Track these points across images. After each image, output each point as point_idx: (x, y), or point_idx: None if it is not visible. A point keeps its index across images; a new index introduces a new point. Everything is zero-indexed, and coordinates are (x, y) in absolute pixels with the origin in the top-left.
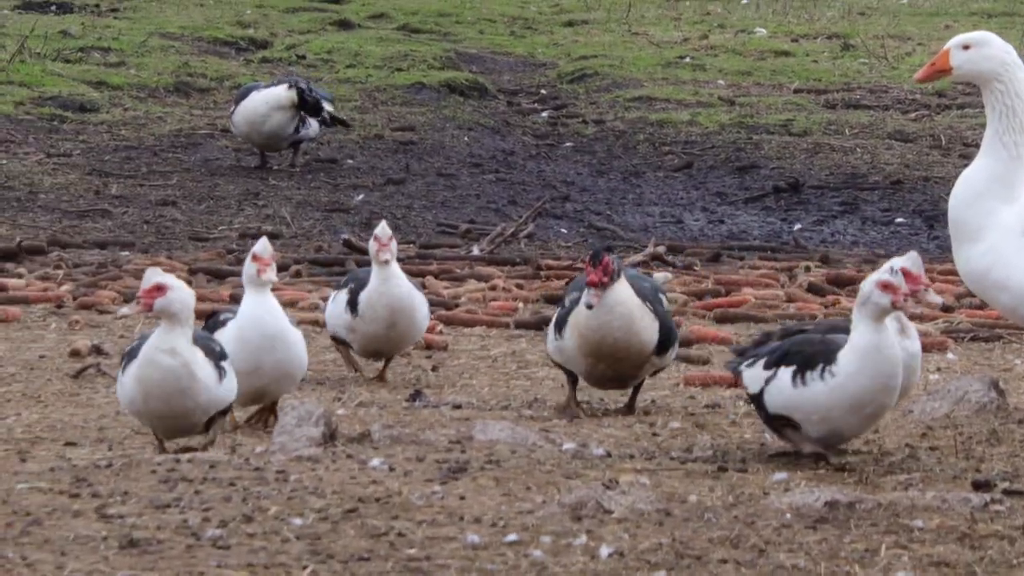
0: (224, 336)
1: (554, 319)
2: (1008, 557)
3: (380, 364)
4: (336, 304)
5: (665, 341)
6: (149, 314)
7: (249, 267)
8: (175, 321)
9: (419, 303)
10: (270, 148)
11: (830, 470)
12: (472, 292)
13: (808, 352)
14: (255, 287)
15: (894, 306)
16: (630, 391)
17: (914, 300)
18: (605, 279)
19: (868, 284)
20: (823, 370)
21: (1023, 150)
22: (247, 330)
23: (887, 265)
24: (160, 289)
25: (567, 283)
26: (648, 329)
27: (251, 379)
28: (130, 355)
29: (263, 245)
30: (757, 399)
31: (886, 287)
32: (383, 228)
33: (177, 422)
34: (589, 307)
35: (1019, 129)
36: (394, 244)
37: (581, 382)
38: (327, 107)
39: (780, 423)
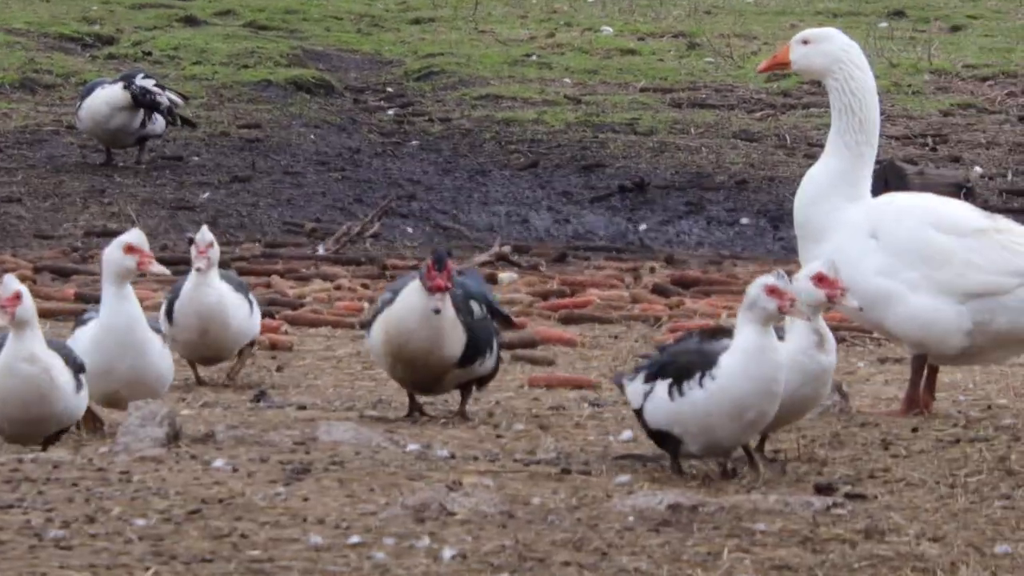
0: (83, 335)
1: (370, 324)
2: (849, 561)
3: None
4: (160, 313)
5: (472, 354)
6: (11, 323)
7: (122, 260)
8: (28, 326)
9: (234, 310)
10: (116, 144)
11: (669, 474)
12: (317, 292)
13: (684, 362)
14: (118, 283)
15: (780, 311)
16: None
17: (831, 304)
18: (450, 284)
19: (755, 288)
20: (701, 376)
21: (864, 148)
22: (105, 335)
23: (778, 270)
24: (19, 297)
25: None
26: (454, 342)
27: (103, 382)
28: None
29: (139, 235)
30: (638, 415)
31: (772, 291)
32: (203, 233)
33: (28, 428)
34: (437, 312)
35: (858, 127)
36: (215, 251)
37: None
38: (170, 99)
39: (661, 439)
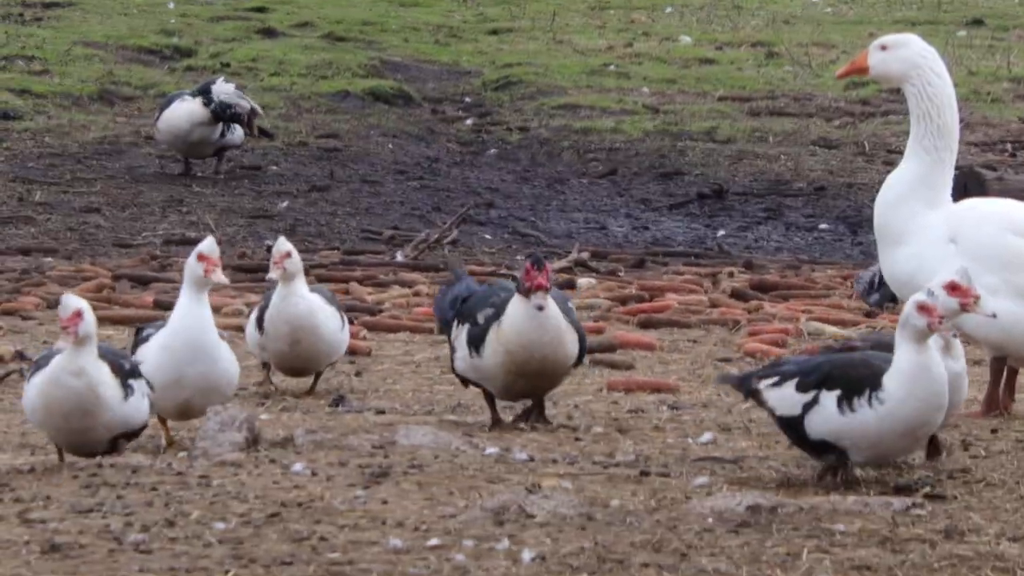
0: (150, 346)
1: (464, 337)
2: (929, 561)
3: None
4: (249, 323)
5: (582, 352)
6: (75, 342)
7: (195, 267)
8: (87, 342)
9: (324, 319)
10: (194, 155)
11: (752, 475)
12: (396, 298)
13: (852, 376)
14: (196, 289)
15: (930, 328)
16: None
17: (965, 312)
18: (549, 283)
19: (908, 306)
20: (870, 396)
21: (944, 154)
22: (173, 338)
23: (928, 286)
24: (79, 315)
25: (462, 301)
26: (571, 342)
27: (174, 391)
28: (37, 366)
29: (210, 244)
30: (791, 423)
31: (922, 309)
32: (280, 243)
33: (78, 438)
34: (540, 309)
35: (936, 132)
36: (293, 261)
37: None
38: (251, 105)
39: (822, 449)
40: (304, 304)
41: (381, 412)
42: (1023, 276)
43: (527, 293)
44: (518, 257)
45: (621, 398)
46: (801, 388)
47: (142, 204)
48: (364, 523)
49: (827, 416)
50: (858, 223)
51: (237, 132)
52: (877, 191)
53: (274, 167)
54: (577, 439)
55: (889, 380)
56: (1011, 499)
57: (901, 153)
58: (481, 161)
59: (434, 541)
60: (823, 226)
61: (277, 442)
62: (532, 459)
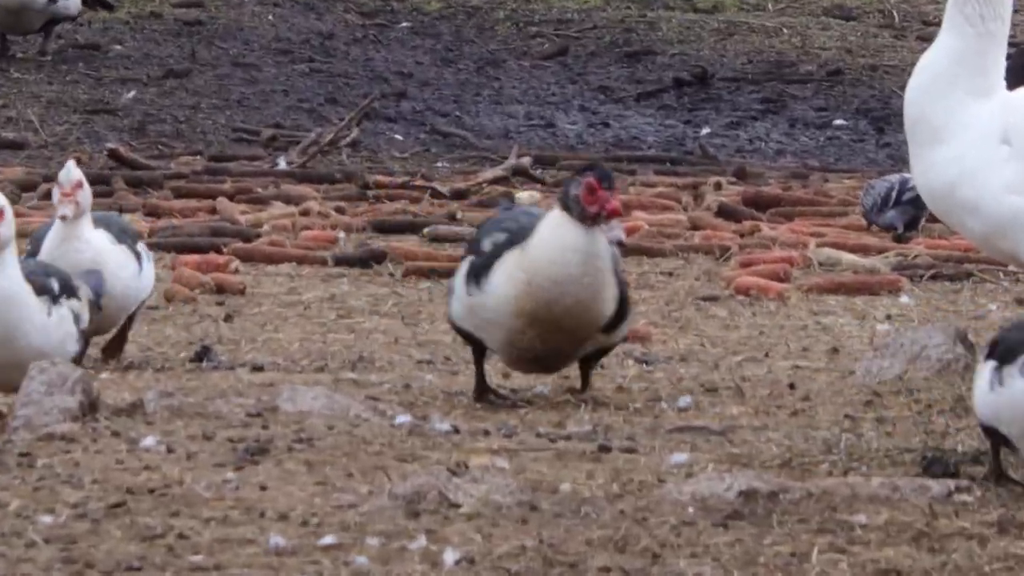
0: None
1: (463, 270)
2: (978, 562)
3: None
4: None
5: (623, 312)
6: None
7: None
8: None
9: (117, 269)
10: (13, 30)
11: (745, 450)
12: (278, 218)
13: (1013, 340)
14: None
15: None
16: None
17: None
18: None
19: None
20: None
21: (993, 24)
22: None
23: None
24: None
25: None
26: (610, 297)
27: None
28: None
29: (66, 170)
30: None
31: None
32: (68, 170)
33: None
34: (621, 244)
35: None
36: (85, 193)
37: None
38: None
39: (998, 438)
40: (90, 251)
41: (258, 369)
42: None
43: (591, 219)
44: (438, 164)
45: None
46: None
47: None
48: (236, 516)
49: (983, 391)
50: (884, 118)
51: (71, 0)
52: (908, 75)
53: (118, 46)
54: (516, 404)
55: None
56: None
57: (939, 25)
58: (389, 37)
59: (328, 539)
60: (838, 122)
61: (122, 409)
62: (456, 430)
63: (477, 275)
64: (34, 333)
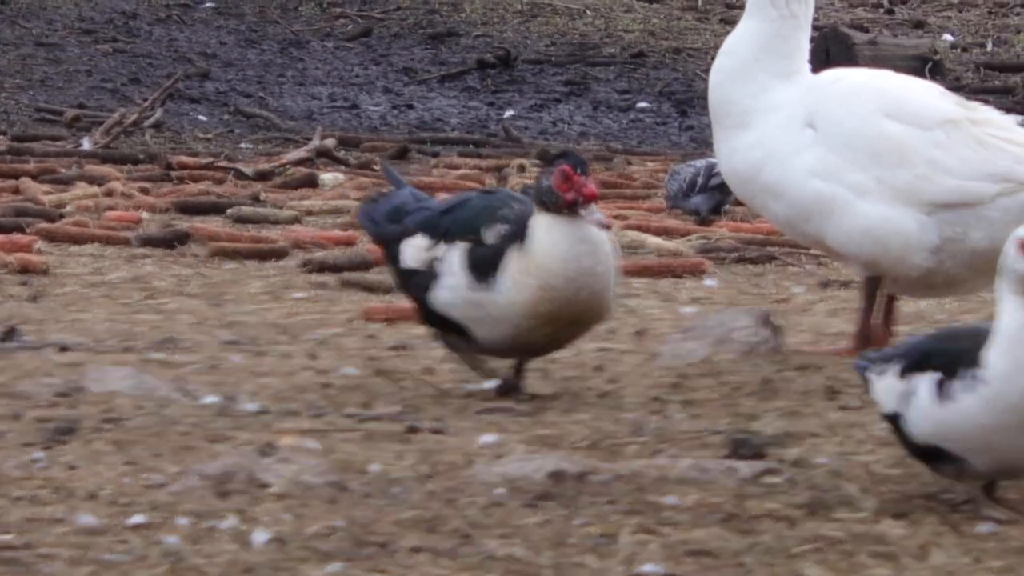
0: None
1: (460, 259)
2: (787, 544)
3: None
4: None
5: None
6: None
7: None
8: None
9: None
10: None
11: (554, 431)
12: (82, 199)
13: (954, 350)
14: None
15: None
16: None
17: None
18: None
19: (1008, 246)
20: (971, 375)
21: (796, 6)
22: None
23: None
24: None
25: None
26: (615, 282)
27: None
28: None
29: None
30: (894, 422)
31: None
32: None
33: None
34: (607, 228)
35: None
36: None
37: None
38: None
39: (932, 456)
40: None
41: (65, 349)
42: (902, 174)
43: (568, 208)
44: (242, 146)
45: (380, 331)
46: (902, 372)
47: None
48: (45, 495)
49: (922, 407)
50: (688, 100)
51: None
52: (712, 58)
53: None
54: (324, 384)
55: (992, 353)
56: (892, 463)
57: (742, 8)
58: (193, 17)
59: (138, 519)
60: (642, 104)
61: None
62: (265, 411)
63: (481, 270)
64: None
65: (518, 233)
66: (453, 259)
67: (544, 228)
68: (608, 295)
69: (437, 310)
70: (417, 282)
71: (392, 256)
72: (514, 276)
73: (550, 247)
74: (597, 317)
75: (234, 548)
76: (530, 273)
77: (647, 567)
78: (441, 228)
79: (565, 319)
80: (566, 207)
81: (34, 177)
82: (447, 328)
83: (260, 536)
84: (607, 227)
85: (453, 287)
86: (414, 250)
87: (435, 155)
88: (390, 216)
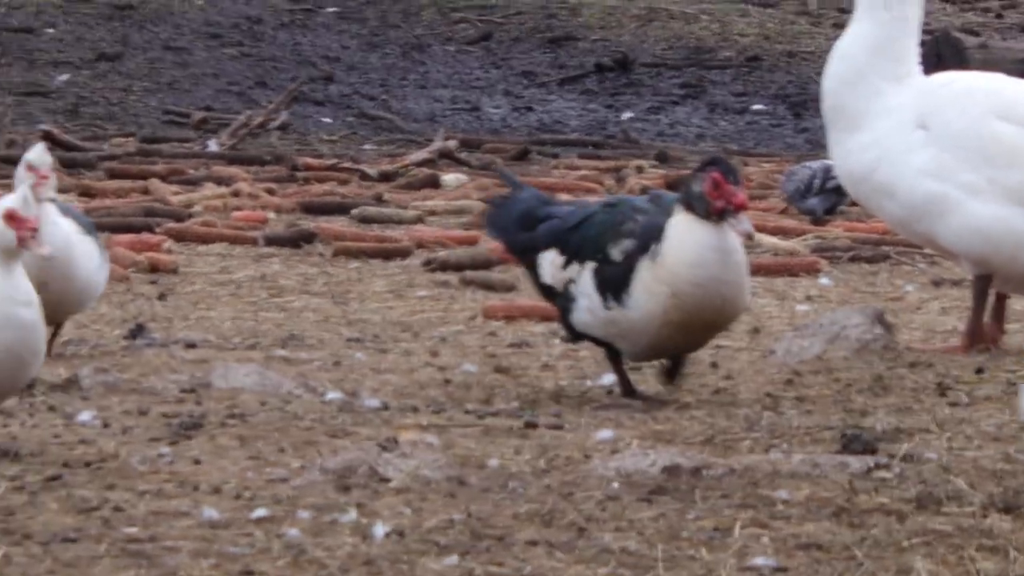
0: None
1: (591, 280)
2: (897, 537)
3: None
4: None
5: None
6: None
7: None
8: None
9: (81, 255)
10: None
11: (669, 427)
12: (210, 199)
13: None
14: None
15: None
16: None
17: None
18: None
19: None
20: None
21: (907, 9)
22: None
23: None
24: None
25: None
26: (748, 286)
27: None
28: None
29: (39, 152)
30: None
31: None
32: (39, 153)
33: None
34: (749, 237)
35: None
36: (53, 176)
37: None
38: None
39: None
40: (60, 235)
41: (192, 346)
42: (1014, 174)
43: (717, 215)
44: (366, 147)
45: (500, 328)
46: None
47: None
48: (170, 489)
49: None
50: (802, 103)
51: None
52: (825, 62)
53: (50, 29)
54: (445, 381)
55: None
56: (1001, 458)
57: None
58: (316, 22)
59: (261, 512)
60: (757, 107)
61: (58, 384)
62: (386, 407)
63: (612, 289)
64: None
65: (645, 246)
66: (585, 281)
67: (680, 231)
68: (739, 300)
69: (579, 330)
70: (557, 301)
71: (529, 265)
72: (646, 288)
73: (681, 253)
74: (730, 319)
75: (354, 541)
76: (662, 280)
77: (759, 560)
78: (572, 246)
79: (699, 324)
80: (715, 214)
81: (163, 178)
82: (596, 343)
83: (380, 529)
84: (751, 237)
85: (589, 309)
86: (550, 267)
87: (555, 156)
88: (520, 222)
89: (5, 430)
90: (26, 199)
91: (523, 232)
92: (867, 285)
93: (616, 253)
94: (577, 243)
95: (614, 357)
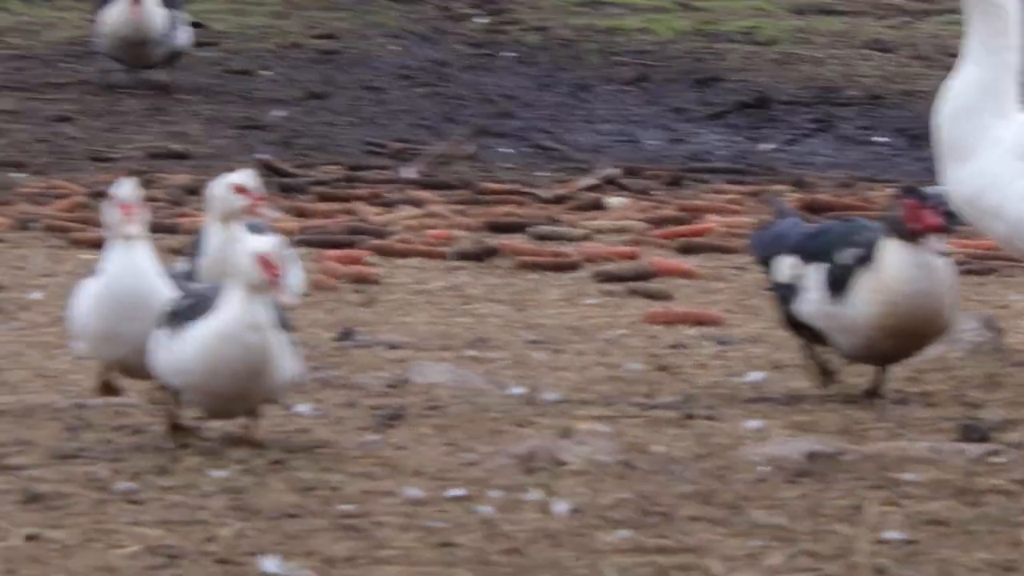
0: (84, 291)
1: (820, 277)
2: (1009, 514)
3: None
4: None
5: None
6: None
7: (110, 214)
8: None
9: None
10: (140, 63)
11: (810, 418)
12: (406, 219)
13: None
14: (119, 238)
15: None
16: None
17: None
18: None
19: None
20: None
21: (1009, 54)
22: (107, 291)
23: None
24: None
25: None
26: (952, 301)
27: (110, 347)
28: (185, 314)
29: (125, 188)
30: None
31: None
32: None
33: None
34: (944, 255)
35: (1003, 29)
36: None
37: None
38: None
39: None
40: (146, 276)
41: (393, 347)
42: None
43: (914, 236)
44: (538, 174)
45: (660, 332)
46: None
47: (119, 112)
48: (378, 471)
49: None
50: (919, 136)
51: (184, 31)
52: (937, 100)
53: (266, 71)
54: (613, 377)
55: None
56: None
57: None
58: (497, 65)
59: (456, 492)
60: (880, 139)
61: None
62: (564, 400)
63: (836, 286)
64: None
65: (868, 256)
66: (814, 277)
67: (890, 252)
68: (945, 313)
69: (801, 319)
70: (785, 294)
71: (769, 271)
72: (864, 293)
73: (894, 270)
74: (938, 331)
75: (538, 517)
76: (878, 291)
77: (890, 534)
78: (809, 249)
79: (907, 332)
80: (914, 235)
81: (365, 200)
82: (810, 335)
83: (560, 507)
84: (944, 255)
85: (813, 301)
86: (786, 267)
87: (704, 182)
88: (773, 241)
89: (234, 421)
90: (274, 247)
91: (773, 247)
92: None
93: (845, 257)
94: (814, 247)
95: (813, 349)
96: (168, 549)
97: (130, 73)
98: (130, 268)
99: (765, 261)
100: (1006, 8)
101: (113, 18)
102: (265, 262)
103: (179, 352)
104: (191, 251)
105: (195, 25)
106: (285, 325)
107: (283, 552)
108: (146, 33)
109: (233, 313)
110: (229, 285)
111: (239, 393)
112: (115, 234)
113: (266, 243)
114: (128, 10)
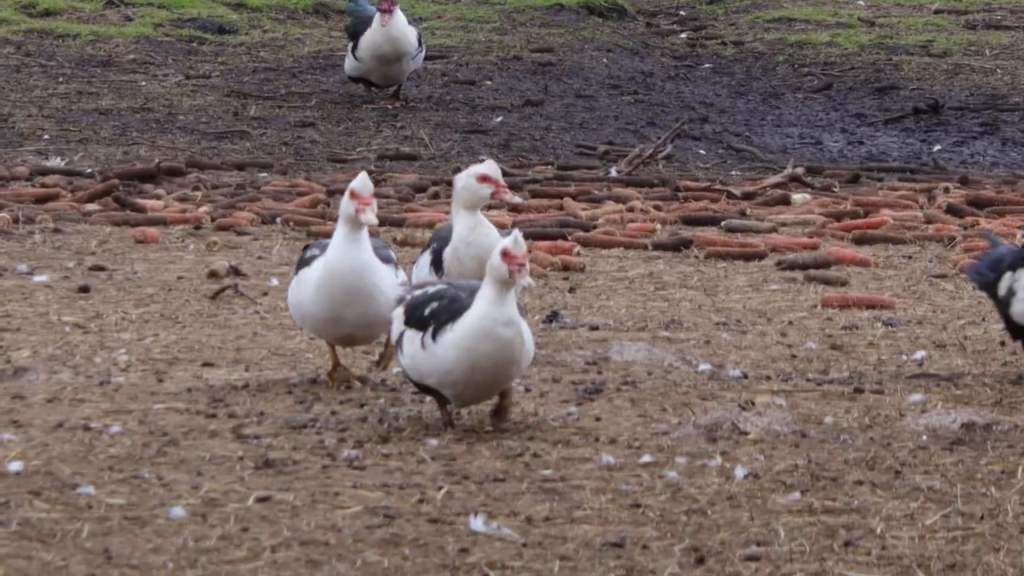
0: (308, 276)
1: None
2: None
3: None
4: (419, 266)
5: None
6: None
7: (347, 205)
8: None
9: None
10: (391, 82)
11: (967, 392)
12: (610, 213)
13: None
14: (350, 228)
15: None
16: None
17: None
18: None
19: None
20: None
21: None
22: (329, 279)
23: None
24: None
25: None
26: None
27: (334, 327)
28: (440, 317)
29: (362, 181)
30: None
31: None
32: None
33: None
34: None
35: None
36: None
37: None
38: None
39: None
40: (493, 236)
41: (594, 328)
42: None
43: None
44: (732, 173)
45: (835, 315)
46: None
47: (356, 119)
48: (577, 440)
49: None
50: None
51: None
52: None
53: (488, 82)
54: (791, 356)
55: None
56: None
57: None
58: (695, 75)
59: (647, 458)
60: None
61: None
62: (745, 376)
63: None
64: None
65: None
66: (1020, 281)
67: None
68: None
69: (1018, 321)
70: (1005, 305)
71: (994, 291)
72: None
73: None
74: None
75: (720, 481)
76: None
77: None
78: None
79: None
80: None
81: (574, 197)
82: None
83: (740, 472)
84: None
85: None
86: (1006, 281)
87: (880, 180)
88: (991, 267)
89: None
90: (517, 240)
91: (992, 272)
92: None
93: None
94: (1013, 259)
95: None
96: (386, 510)
97: (374, 91)
98: (351, 257)
99: (985, 287)
100: None
101: (369, 39)
102: (511, 257)
103: (437, 356)
104: (432, 241)
105: None
106: (522, 311)
107: (489, 512)
108: (404, 48)
109: (488, 311)
110: (482, 283)
111: (496, 383)
112: (349, 223)
113: (508, 240)
114: (380, 20)
